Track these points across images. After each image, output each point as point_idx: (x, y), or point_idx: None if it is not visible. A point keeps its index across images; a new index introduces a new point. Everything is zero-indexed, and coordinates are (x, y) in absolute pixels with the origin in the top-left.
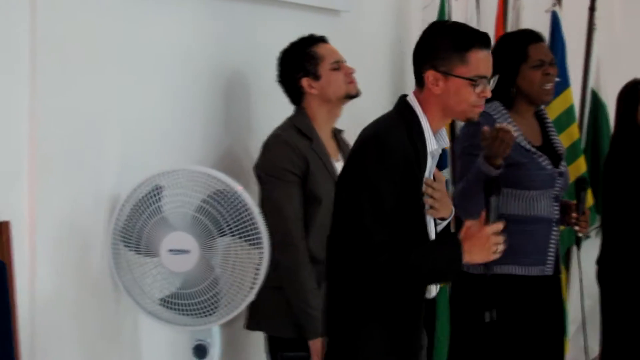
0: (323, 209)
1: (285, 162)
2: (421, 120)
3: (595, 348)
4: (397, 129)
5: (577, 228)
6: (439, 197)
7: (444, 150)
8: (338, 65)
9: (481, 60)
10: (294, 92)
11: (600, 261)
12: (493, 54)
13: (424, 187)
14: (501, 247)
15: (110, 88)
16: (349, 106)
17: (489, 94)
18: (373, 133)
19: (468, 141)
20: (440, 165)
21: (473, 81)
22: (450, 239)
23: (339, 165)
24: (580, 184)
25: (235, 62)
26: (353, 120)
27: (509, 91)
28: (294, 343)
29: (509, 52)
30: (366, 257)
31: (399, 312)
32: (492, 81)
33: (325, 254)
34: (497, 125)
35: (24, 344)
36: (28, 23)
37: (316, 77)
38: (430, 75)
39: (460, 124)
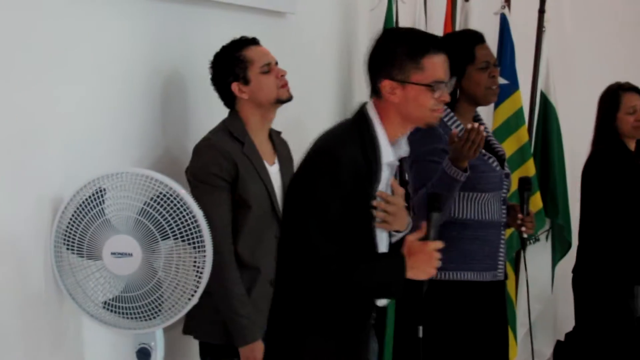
0: (253, 214)
1: (214, 167)
2: (377, 131)
3: (545, 351)
4: (351, 143)
5: (523, 229)
6: (392, 211)
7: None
8: (268, 68)
9: (437, 65)
10: (226, 96)
11: (576, 269)
12: None
13: (377, 200)
14: (439, 264)
15: (47, 90)
16: (293, 109)
17: (447, 99)
18: (327, 147)
19: (423, 147)
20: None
21: (430, 87)
22: (394, 256)
23: (273, 170)
24: (523, 185)
25: (176, 65)
26: (298, 124)
27: (454, 92)
28: (224, 349)
29: (454, 53)
30: (314, 270)
31: (346, 323)
32: (449, 84)
33: (254, 259)
34: (469, 125)
35: None
36: None
37: (246, 81)
38: (386, 84)
39: None
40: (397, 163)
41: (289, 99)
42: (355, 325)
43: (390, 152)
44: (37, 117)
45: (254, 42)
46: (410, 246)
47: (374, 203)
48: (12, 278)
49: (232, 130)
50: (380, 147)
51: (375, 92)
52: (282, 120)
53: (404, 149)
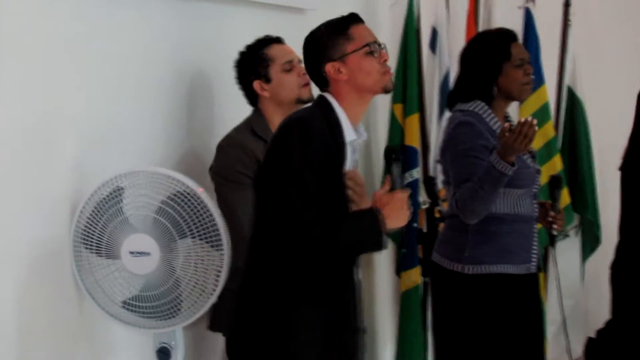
0: None
1: (238, 165)
2: (338, 113)
3: (575, 348)
4: (317, 118)
5: (554, 226)
6: (359, 193)
7: (414, 150)
8: (290, 66)
9: (364, 31)
10: (249, 94)
11: (615, 265)
12: (471, 50)
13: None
14: (411, 209)
15: (69, 89)
16: None
17: (387, 56)
18: (297, 118)
19: (465, 144)
20: (410, 165)
21: (367, 47)
22: (369, 211)
23: None
24: (554, 182)
25: (198, 62)
26: None
27: (490, 89)
28: None
29: (491, 51)
30: (298, 234)
31: (330, 293)
32: (383, 45)
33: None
34: (522, 119)
35: None
36: None
37: (267, 79)
38: (329, 68)
39: (432, 126)
40: (359, 145)
41: (310, 99)
42: (338, 297)
43: (352, 131)
44: (56, 117)
45: (277, 40)
46: (380, 199)
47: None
48: (32, 278)
49: (255, 128)
50: (342, 126)
51: (324, 84)
52: None
53: (363, 134)
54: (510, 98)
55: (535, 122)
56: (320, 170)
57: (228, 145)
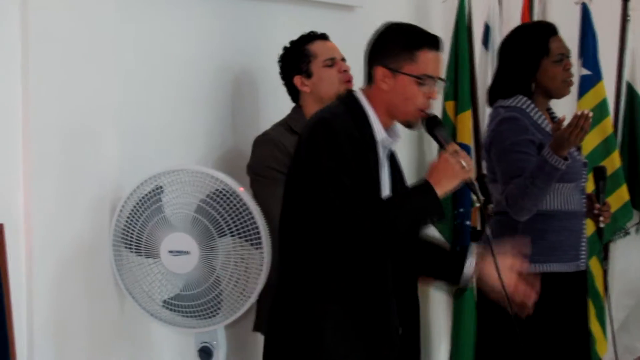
0: None
1: (270, 161)
2: (366, 110)
3: (638, 346)
4: (342, 115)
5: (600, 219)
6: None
7: (466, 147)
8: (331, 62)
9: (430, 61)
10: (291, 90)
11: None
12: (509, 45)
13: None
14: (465, 162)
15: (111, 86)
16: None
17: (435, 96)
18: (320, 118)
19: (511, 139)
20: None
21: (420, 79)
22: (416, 183)
23: None
24: (598, 173)
25: (244, 60)
26: None
27: (528, 86)
28: None
29: (528, 46)
30: (347, 231)
31: (360, 293)
32: (439, 84)
33: None
34: (578, 112)
35: (21, 349)
36: (19, 20)
37: (308, 74)
38: (379, 71)
39: (485, 123)
40: (391, 146)
41: None
42: (373, 295)
43: (382, 129)
44: (96, 116)
45: (322, 37)
46: (429, 168)
47: None
48: (72, 276)
49: (291, 124)
50: (371, 122)
51: (368, 79)
52: None
53: (397, 134)
54: (549, 95)
55: (591, 114)
56: (353, 167)
57: (261, 141)
